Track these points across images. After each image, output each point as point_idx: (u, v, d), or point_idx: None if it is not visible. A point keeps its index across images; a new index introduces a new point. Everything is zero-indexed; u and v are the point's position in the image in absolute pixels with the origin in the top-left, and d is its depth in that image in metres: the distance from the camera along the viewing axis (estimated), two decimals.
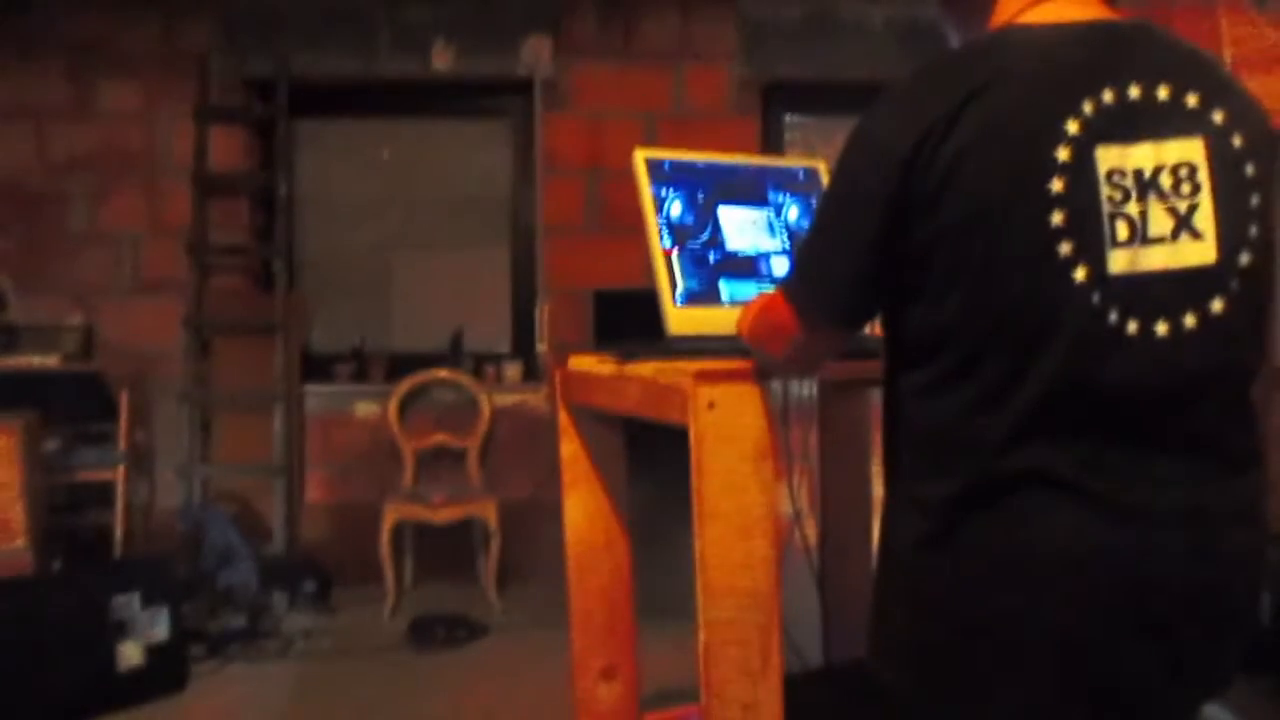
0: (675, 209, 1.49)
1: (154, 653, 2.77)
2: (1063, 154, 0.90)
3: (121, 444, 3.48)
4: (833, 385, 2.03)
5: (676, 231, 1.49)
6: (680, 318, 1.45)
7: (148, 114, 3.85)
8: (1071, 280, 0.91)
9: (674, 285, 1.46)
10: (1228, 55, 3.21)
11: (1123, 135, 0.92)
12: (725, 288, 1.51)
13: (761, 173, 1.62)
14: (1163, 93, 0.94)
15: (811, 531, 2.08)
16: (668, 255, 1.47)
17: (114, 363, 3.63)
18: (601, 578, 1.79)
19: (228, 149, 3.89)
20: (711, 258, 1.51)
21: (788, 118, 4.22)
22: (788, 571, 1.41)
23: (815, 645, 2.19)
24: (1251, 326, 0.99)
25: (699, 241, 1.50)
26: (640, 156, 1.49)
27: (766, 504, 1.25)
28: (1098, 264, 0.91)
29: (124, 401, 3.50)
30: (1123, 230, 0.92)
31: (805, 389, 2.07)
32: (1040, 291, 0.91)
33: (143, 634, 2.76)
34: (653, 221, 1.47)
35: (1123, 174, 0.92)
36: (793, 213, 1.60)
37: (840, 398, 2.11)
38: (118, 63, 3.83)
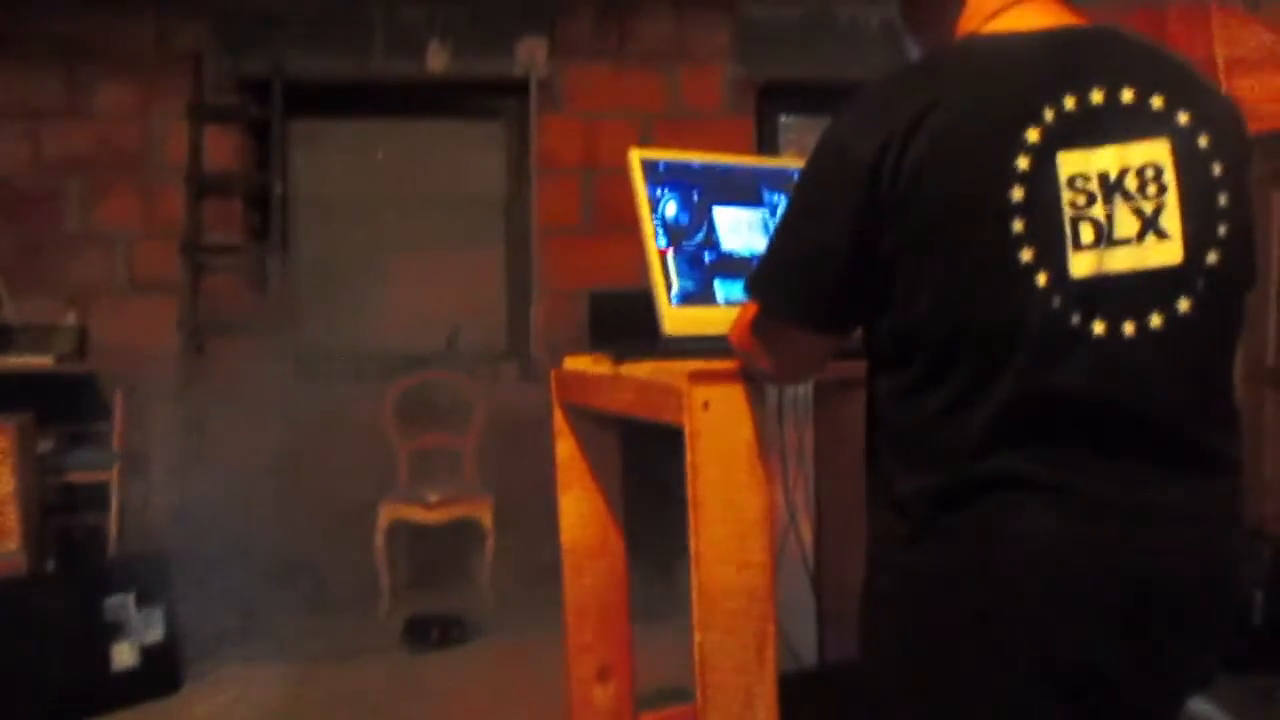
0: (670, 209, 1.50)
1: (148, 653, 2.77)
2: (1022, 163, 0.91)
3: (116, 444, 3.47)
4: (828, 385, 2.04)
5: (672, 232, 1.49)
6: (675, 318, 1.45)
7: (142, 114, 3.84)
8: (1034, 286, 0.92)
9: (669, 285, 1.47)
10: (1220, 56, 3.23)
11: (1086, 140, 0.93)
12: (720, 288, 1.51)
13: (756, 173, 1.62)
14: (1127, 96, 0.95)
15: (807, 531, 2.09)
16: (663, 255, 1.47)
17: (108, 363, 3.62)
18: (597, 578, 1.79)
19: (222, 149, 3.88)
20: (707, 258, 1.51)
21: (783, 118, 4.23)
22: (783, 571, 1.41)
23: (810, 645, 2.20)
24: (1220, 326, 0.99)
25: (694, 242, 1.51)
26: (635, 157, 1.49)
27: (761, 504, 1.26)
28: (1059, 269, 0.92)
29: (118, 402, 3.49)
30: (1087, 233, 0.93)
31: (800, 389, 2.08)
32: (1004, 299, 0.92)
33: (137, 635, 2.75)
34: (648, 222, 1.47)
35: (1086, 178, 0.93)
36: (782, 208, 1.60)
37: (836, 398, 2.12)
38: (112, 62, 3.82)
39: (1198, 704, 2.35)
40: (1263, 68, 3.34)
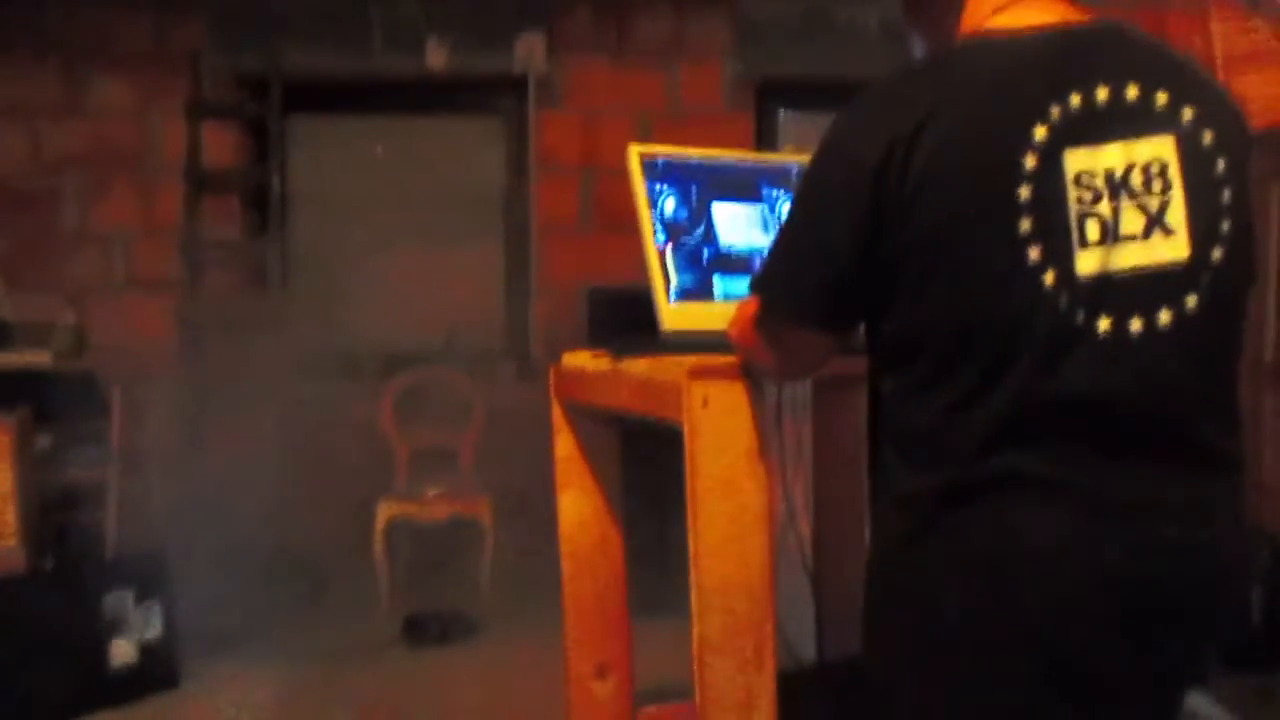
0: (669, 205, 1.49)
1: (147, 650, 2.76)
2: (1029, 161, 0.91)
3: (114, 442, 3.46)
4: (827, 382, 2.03)
5: (670, 228, 1.49)
6: (674, 314, 1.45)
7: (140, 111, 3.83)
8: (1041, 285, 0.92)
9: (668, 282, 1.46)
10: (1219, 55, 3.22)
11: (1091, 137, 0.93)
12: (719, 284, 1.51)
13: (755, 169, 1.61)
14: (1131, 93, 0.95)
15: (806, 529, 2.08)
16: (661, 252, 1.47)
17: (106, 361, 3.62)
18: (596, 575, 1.79)
19: (221, 146, 3.88)
20: (705, 254, 1.51)
21: (782, 114, 4.22)
22: (782, 568, 1.41)
23: (809, 642, 2.19)
24: (1226, 323, 0.99)
25: (693, 238, 1.50)
26: (634, 152, 1.49)
27: (760, 501, 1.25)
28: (1065, 266, 0.92)
29: (116, 399, 3.49)
30: (1093, 230, 0.93)
31: (800, 386, 2.07)
32: (1010, 297, 0.92)
33: (135, 632, 2.75)
34: (646, 218, 1.47)
35: (1092, 175, 0.93)
36: (786, 209, 1.60)
37: (835, 394, 2.11)
38: (110, 60, 3.81)
39: (1197, 702, 2.35)
40: (1262, 65, 3.33)
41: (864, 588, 1.08)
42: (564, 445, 1.76)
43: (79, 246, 3.82)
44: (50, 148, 3.82)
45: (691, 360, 1.25)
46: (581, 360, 1.65)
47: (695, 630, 1.24)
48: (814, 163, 1.02)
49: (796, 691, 1.39)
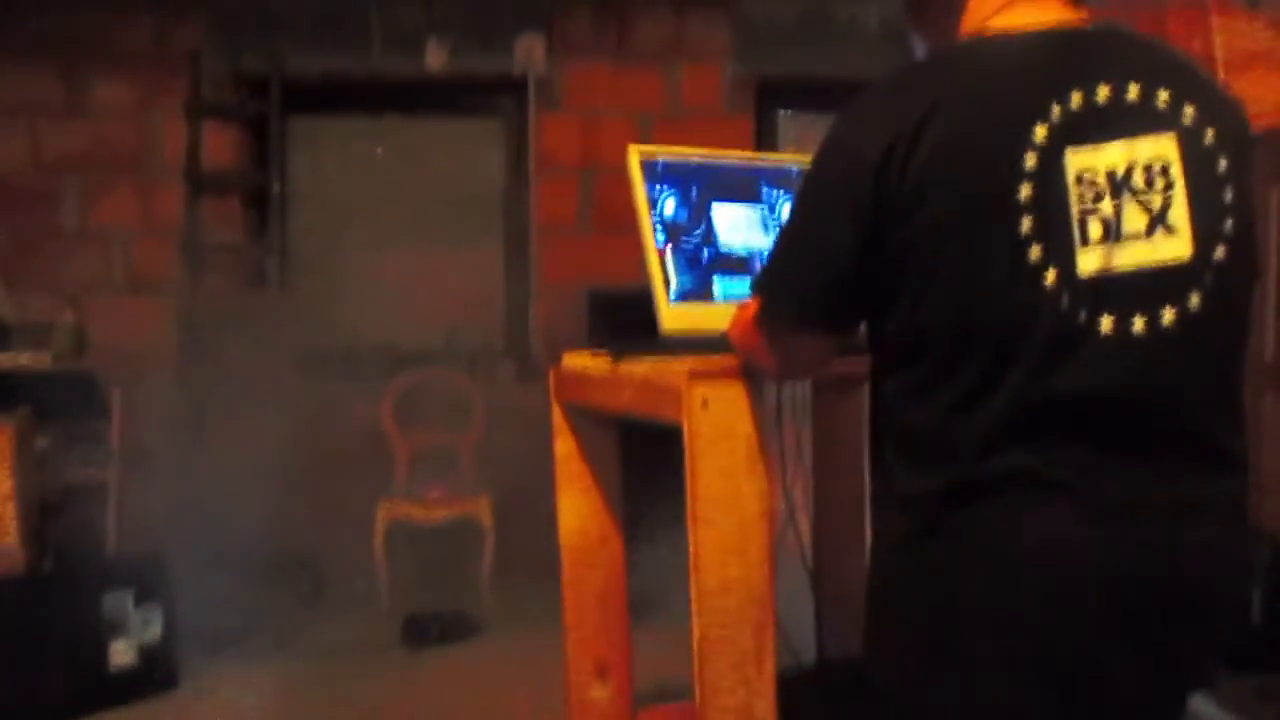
0: (669, 207, 1.49)
1: (146, 652, 2.76)
2: (1030, 161, 0.91)
3: (114, 442, 3.46)
4: (827, 382, 2.03)
5: (670, 229, 1.49)
6: (674, 315, 1.45)
7: (140, 111, 3.83)
8: (1042, 284, 0.92)
9: (668, 283, 1.47)
10: (1219, 55, 3.22)
11: (1093, 137, 0.93)
12: (719, 285, 1.51)
13: (755, 170, 1.62)
14: (1132, 92, 0.95)
15: (805, 528, 2.08)
16: (661, 253, 1.47)
17: (106, 361, 3.61)
18: (595, 575, 1.79)
19: (220, 147, 3.88)
20: (705, 255, 1.51)
21: (781, 114, 4.22)
22: (781, 568, 1.41)
23: (809, 642, 2.19)
24: (1230, 322, 0.99)
25: (693, 239, 1.50)
26: (634, 153, 1.49)
27: (760, 501, 1.26)
28: (1067, 266, 0.92)
29: (116, 400, 3.49)
30: (1095, 229, 0.93)
31: (799, 386, 2.07)
32: (1012, 297, 0.92)
33: (135, 633, 2.75)
34: (646, 219, 1.47)
35: (1094, 174, 0.93)
36: (786, 210, 1.60)
37: (835, 394, 2.12)
38: (110, 60, 3.81)
39: (1197, 702, 2.35)
40: (1262, 65, 3.33)
41: (866, 588, 1.08)
42: (564, 446, 1.76)
43: (79, 246, 3.82)
44: (50, 148, 3.82)
45: (691, 361, 1.25)
46: (581, 361, 1.65)
47: (695, 630, 1.24)
48: (816, 162, 1.02)
49: (796, 691, 1.39)
